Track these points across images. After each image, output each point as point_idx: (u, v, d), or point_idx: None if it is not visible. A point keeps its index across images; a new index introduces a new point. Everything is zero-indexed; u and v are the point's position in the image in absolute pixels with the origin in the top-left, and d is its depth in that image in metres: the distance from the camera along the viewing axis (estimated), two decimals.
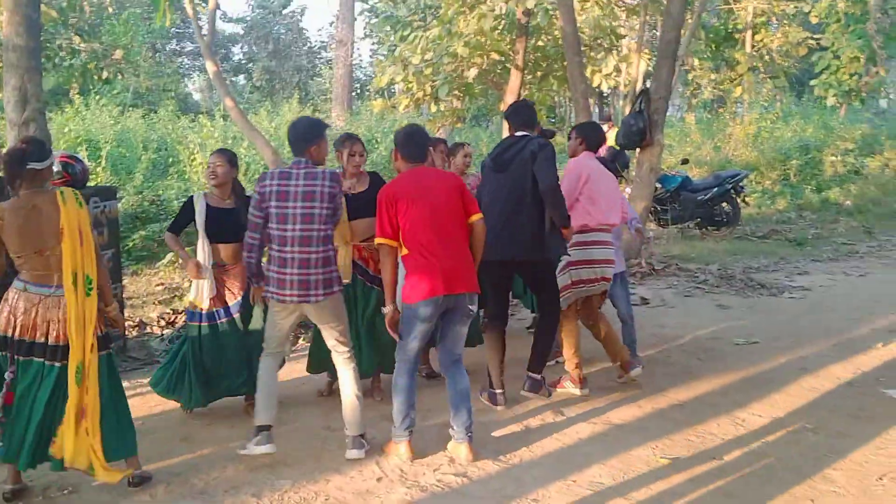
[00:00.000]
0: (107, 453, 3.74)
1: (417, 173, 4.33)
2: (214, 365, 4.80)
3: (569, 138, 5.55)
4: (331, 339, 4.33)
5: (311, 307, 4.19)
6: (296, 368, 5.65)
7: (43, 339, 3.68)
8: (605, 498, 3.76)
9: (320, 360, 5.06)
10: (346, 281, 4.91)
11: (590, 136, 5.42)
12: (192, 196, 4.91)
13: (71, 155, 5.28)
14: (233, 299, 4.85)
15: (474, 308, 4.35)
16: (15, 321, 3.68)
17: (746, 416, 4.81)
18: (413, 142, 4.43)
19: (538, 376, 5.05)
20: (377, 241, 4.29)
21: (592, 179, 5.16)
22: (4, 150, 3.75)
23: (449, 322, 4.31)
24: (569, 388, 5.25)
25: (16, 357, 3.70)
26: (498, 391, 4.98)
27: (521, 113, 5.10)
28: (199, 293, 4.79)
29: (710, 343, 6.48)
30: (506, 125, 5.21)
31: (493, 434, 4.58)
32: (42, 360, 3.70)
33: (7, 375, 3.70)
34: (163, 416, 4.99)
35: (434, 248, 4.18)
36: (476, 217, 4.34)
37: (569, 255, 5.08)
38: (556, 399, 5.13)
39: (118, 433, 3.84)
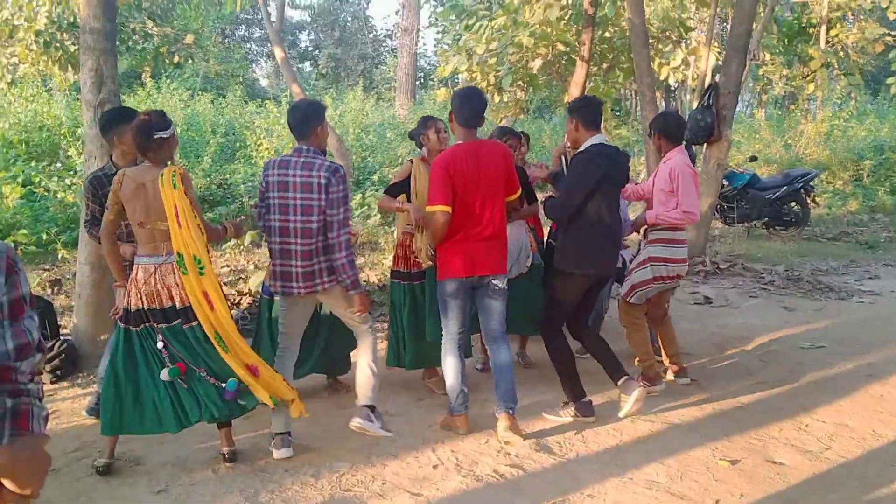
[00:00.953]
0: (220, 411, 3.85)
1: (474, 148, 4.29)
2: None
3: (650, 134, 5.46)
4: (348, 320, 4.32)
5: (321, 296, 4.18)
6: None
7: (170, 304, 3.82)
8: (662, 497, 3.72)
9: (398, 353, 5.21)
10: (428, 264, 4.94)
11: (665, 128, 5.16)
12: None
13: None
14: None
15: (502, 285, 4.42)
16: (140, 293, 3.82)
17: (810, 422, 4.70)
18: (470, 105, 4.33)
19: (626, 375, 4.61)
20: (435, 209, 4.21)
21: (682, 177, 4.98)
22: (132, 125, 3.86)
23: (479, 297, 4.44)
24: (650, 387, 5.07)
25: (157, 325, 3.82)
26: (585, 400, 4.68)
27: (593, 111, 4.62)
28: None
29: (775, 345, 6.33)
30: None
31: (549, 427, 4.57)
32: (179, 322, 3.82)
33: (159, 345, 3.79)
34: None
35: (468, 230, 4.27)
36: (514, 196, 4.48)
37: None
38: (613, 396, 5.08)
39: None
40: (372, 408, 4.29)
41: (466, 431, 4.40)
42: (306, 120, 4.07)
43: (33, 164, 10.85)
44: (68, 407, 5.02)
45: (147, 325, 3.83)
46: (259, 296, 5.12)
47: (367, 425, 4.25)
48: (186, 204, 3.78)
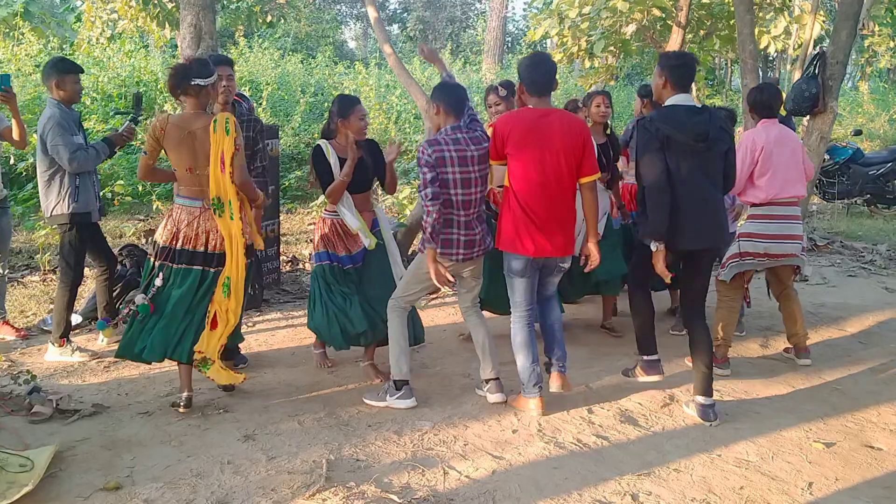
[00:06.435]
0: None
1: (539, 115, 4.00)
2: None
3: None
4: (471, 293, 4.43)
5: (471, 262, 4.27)
6: (438, 316, 5.71)
7: (203, 248, 4.02)
8: (752, 476, 3.60)
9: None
10: None
11: (755, 101, 4.97)
12: (318, 146, 4.65)
13: (239, 93, 5.48)
14: (356, 248, 4.66)
15: (565, 266, 4.27)
16: (178, 233, 4.02)
17: None
18: (539, 70, 4.03)
19: (710, 400, 4.20)
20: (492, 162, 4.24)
21: (766, 152, 4.78)
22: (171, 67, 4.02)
23: (541, 275, 4.27)
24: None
25: (173, 266, 4.02)
26: (653, 357, 4.50)
27: (689, 72, 4.08)
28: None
29: (874, 327, 6.06)
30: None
31: (635, 400, 4.48)
32: (201, 267, 4.03)
33: (157, 282, 4.02)
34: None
35: (536, 204, 4.01)
36: (588, 179, 4.08)
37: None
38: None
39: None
40: (498, 377, 4.39)
41: (542, 413, 4.18)
42: (464, 102, 4.18)
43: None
44: None
45: (166, 263, 4.03)
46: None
47: (505, 397, 4.35)
48: (232, 150, 3.91)
